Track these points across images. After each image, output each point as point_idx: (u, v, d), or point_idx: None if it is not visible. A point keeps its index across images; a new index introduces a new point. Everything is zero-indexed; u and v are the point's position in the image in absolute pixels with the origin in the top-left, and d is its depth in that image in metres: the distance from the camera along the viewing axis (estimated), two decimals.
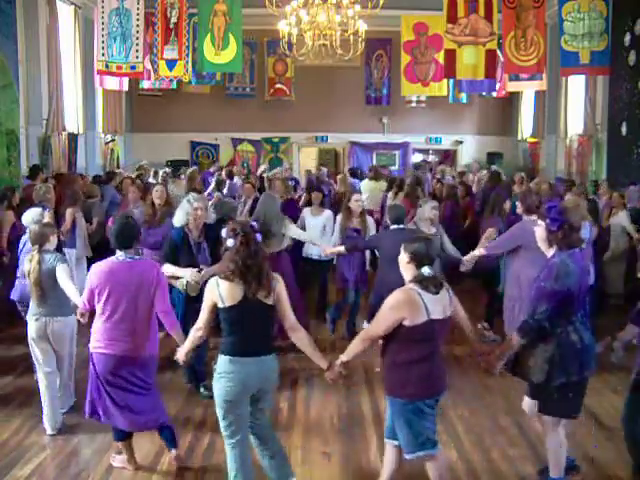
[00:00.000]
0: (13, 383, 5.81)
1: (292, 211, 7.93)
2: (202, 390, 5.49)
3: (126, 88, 14.51)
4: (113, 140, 15.25)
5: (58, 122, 12.08)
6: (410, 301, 3.48)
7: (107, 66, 11.63)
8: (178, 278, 5.26)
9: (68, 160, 12.41)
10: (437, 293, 3.55)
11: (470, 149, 17.39)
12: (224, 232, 3.68)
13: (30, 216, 5.73)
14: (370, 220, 7.26)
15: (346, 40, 11.20)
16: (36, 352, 4.89)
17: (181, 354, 3.94)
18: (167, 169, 12.65)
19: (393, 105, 16.88)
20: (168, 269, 5.15)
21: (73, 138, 12.89)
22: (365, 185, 11.00)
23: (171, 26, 11.77)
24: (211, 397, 3.87)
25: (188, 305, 5.20)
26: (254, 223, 3.85)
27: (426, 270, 3.57)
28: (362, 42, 11.30)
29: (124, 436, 4.30)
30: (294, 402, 5.49)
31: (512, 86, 14.36)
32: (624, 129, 10.75)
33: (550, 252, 3.92)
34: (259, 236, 3.71)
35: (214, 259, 5.15)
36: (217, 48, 11.78)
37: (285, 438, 4.84)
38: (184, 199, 5.64)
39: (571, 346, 3.74)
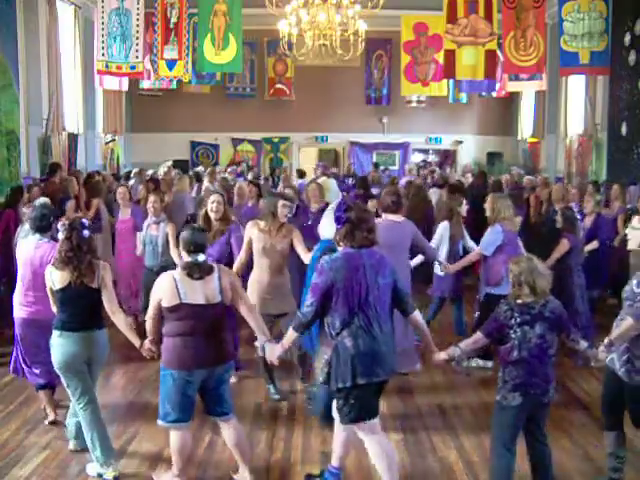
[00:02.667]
0: (13, 383, 5.80)
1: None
2: None
3: (126, 88, 14.50)
4: (113, 140, 15.25)
5: (58, 122, 12.07)
6: (164, 285, 3.90)
7: (107, 66, 11.62)
8: None
9: (68, 160, 12.41)
10: (200, 279, 3.87)
11: (470, 149, 17.40)
12: (58, 226, 4.33)
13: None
14: None
15: (346, 40, 11.20)
16: None
17: None
18: (200, 168, 13.03)
19: (393, 105, 16.89)
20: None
21: (73, 138, 12.90)
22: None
23: (171, 26, 11.77)
24: None
25: None
26: (85, 220, 4.36)
27: (197, 257, 3.90)
28: (362, 42, 11.31)
29: (43, 386, 4.98)
30: (294, 402, 5.49)
31: (512, 86, 14.37)
32: (624, 129, 10.74)
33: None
34: (86, 232, 4.24)
35: None
36: (217, 48, 11.78)
37: (285, 438, 4.85)
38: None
39: (344, 351, 3.66)
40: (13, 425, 4.98)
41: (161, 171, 11.73)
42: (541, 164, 15.18)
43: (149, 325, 4.05)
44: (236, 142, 17.10)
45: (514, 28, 11.34)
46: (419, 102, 16.76)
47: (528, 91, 15.22)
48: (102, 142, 14.94)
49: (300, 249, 5.27)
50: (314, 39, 10.97)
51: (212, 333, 3.90)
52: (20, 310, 4.89)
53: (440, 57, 12.61)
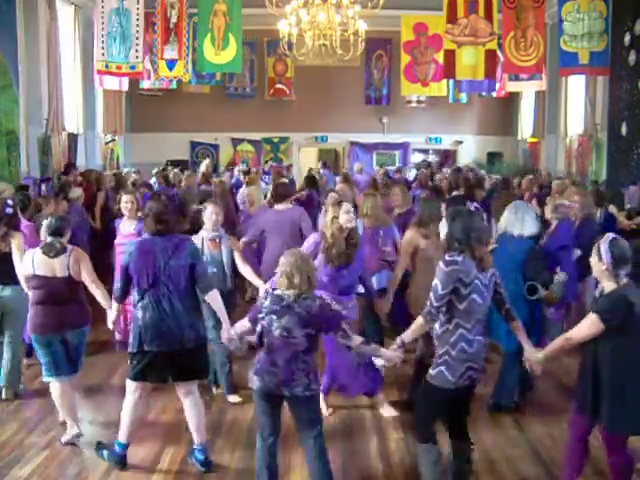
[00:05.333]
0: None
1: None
2: None
3: (126, 88, 14.51)
4: (113, 140, 15.25)
5: (58, 122, 12.07)
6: (26, 259, 4.73)
7: (107, 66, 11.63)
8: None
9: (68, 160, 12.41)
10: (55, 257, 4.60)
11: (470, 149, 17.40)
12: None
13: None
14: None
15: (346, 40, 11.20)
16: None
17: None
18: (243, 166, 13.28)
19: (393, 105, 16.89)
20: None
21: (73, 138, 12.90)
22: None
23: (171, 26, 11.78)
24: None
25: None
26: (10, 200, 5.15)
27: (53, 239, 4.64)
28: (362, 42, 11.31)
29: None
30: None
31: (512, 86, 14.38)
32: (624, 129, 10.75)
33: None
34: (9, 210, 5.23)
35: None
36: (217, 48, 11.78)
37: (285, 438, 4.84)
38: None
39: (136, 321, 4.25)
40: (13, 425, 4.97)
41: (202, 168, 12.00)
42: (541, 164, 15.17)
43: None
44: (236, 142, 17.11)
45: (514, 28, 11.35)
46: (419, 102, 16.77)
47: (528, 91, 15.23)
48: (102, 142, 14.94)
49: None
50: (314, 39, 10.97)
51: (60, 303, 4.59)
52: None
53: (440, 57, 12.61)
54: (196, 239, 5.19)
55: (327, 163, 14.33)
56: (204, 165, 12.34)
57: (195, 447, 4.35)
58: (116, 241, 6.42)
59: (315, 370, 3.78)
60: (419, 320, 3.74)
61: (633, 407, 3.53)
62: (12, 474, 4.25)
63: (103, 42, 11.49)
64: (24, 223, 5.83)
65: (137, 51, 11.56)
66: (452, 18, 11.44)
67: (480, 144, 17.26)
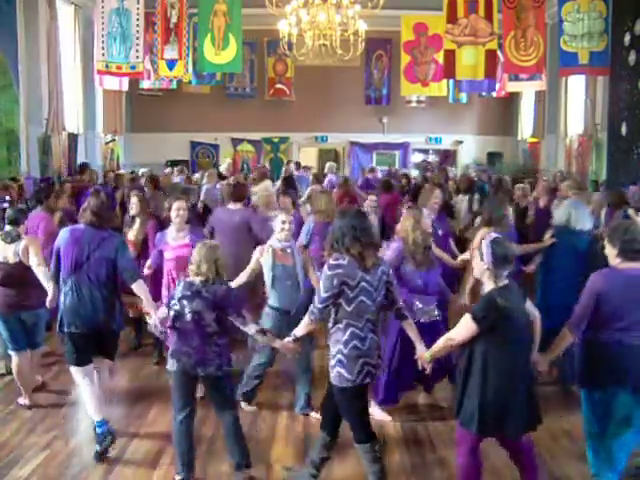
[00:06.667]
0: (13, 383, 5.80)
1: None
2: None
3: (126, 88, 14.51)
4: (113, 140, 15.25)
5: (58, 122, 12.08)
6: None
7: (107, 66, 11.64)
8: None
9: (68, 160, 12.42)
10: (11, 243, 5.02)
11: (470, 149, 17.40)
12: None
13: None
14: None
15: (346, 40, 11.20)
16: None
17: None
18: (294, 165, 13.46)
19: (393, 105, 16.89)
20: None
21: (73, 138, 12.91)
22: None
23: (171, 26, 11.78)
24: None
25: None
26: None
27: (9, 227, 5.10)
28: (362, 42, 11.30)
29: None
30: (294, 402, 5.49)
31: (512, 86, 14.38)
32: (624, 129, 10.73)
33: None
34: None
35: None
36: (217, 48, 11.78)
37: (285, 438, 4.85)
38: None
39: (60, 305, 4.62)
40: (13, 425, 4.98)
41: (223, 168, 12.23)
42: (541, 164, 15.17)
43: None
44: (236, 142, 17.10)
45: (514, 28, 11.34)
46: (419, 102, 16.77)
47: (528, 91, 15.23)
48: (102, 142, 14.94)
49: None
50: (314, 39, 10.97)
51: (14, 286, 5.01)
52: None
53: (440, 57, 12.61)
54: (265, 248, 5.03)
55: (300, 164, 14.53)
56: (226, 164, 12.85)
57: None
58: (166, 255, 5.52)
59: (228, 352, 4.10)
60: (305, 319, 3.87)
61: (488, 409, 3.50)
62: (12, 474, 4.26)
63: (103, 42, 11.50)
64: (39, 214, 6.48)
65: (137, 51, 11.56)
66: (452, 18, 11.43)
67: (480, 144, 17.25)
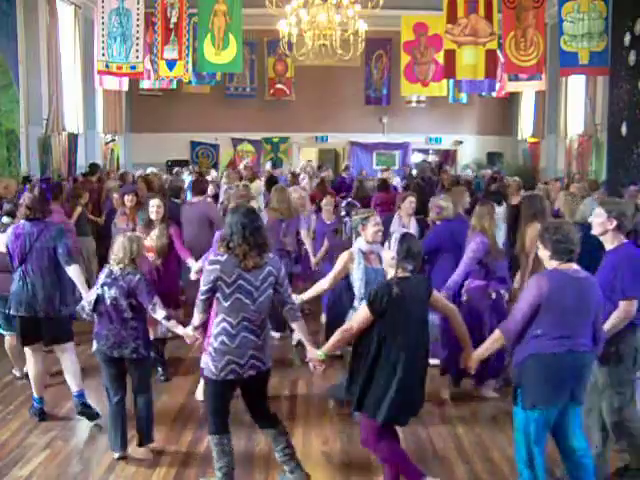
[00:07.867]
0: (13, 383, 5.81)
1: None
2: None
3: (126, 88, 14.51)
4: (113, 140, 15.26)
5: (58, 122, 12.09)
6: None
7: (107, 66, 11.63)
8: None
9: (68, 160, 12.42)
10: (3, 232, 5.26)
11: (470, 149, 17.41)
12: None
13: None
14: None
15: (346, 40, 11.21)
16: None
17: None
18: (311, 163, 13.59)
19: (393, 105, 16.89)
20: None
21: (73, 138, 12.91)
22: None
23: (171, 26, 11.78)
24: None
25: None
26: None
27: (4, 219, 5.55)
28: (362, 42, 11.32)
29: None
30: (294, 402, 5.49)
31: (512, 86, 14.37)
32: (624, 129, 10.74)
33: None
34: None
35: None
36: (217, 48, 11.78)
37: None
38: None
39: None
40: (13, 425, 4.97)
41: (241, 166, 12.28)
42: (541, 164, 15.18)
43: None
44: (236, 142, 17.11)
45: (514, 28, 11.34)
46: (419, 102, 16.77)
47: (528, 91, 15.22)
48: (102, 142, 14.95)
49: None
50: (314, 39, 10.98)
51: (6, 272, 5.22)
52: None
53: (440, 57, 12.60)
54: (353, 252, 4.77)
55: (276, 163, 14.60)
56: (268, 164, 13.33)
57: (73, 394, 4.99)
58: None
59: (145, 337, 4.43)
60: (195, 310, 3.96)
61: (377, 394, 3.60)
62: (12, 474, 4.25)
63: (103, 42, 11.49)
64: (54, 208, 6.77)
65: (137, 51, 11.56)
66: (452, 18, 11.43)
67: (480, 144, 17.26)
